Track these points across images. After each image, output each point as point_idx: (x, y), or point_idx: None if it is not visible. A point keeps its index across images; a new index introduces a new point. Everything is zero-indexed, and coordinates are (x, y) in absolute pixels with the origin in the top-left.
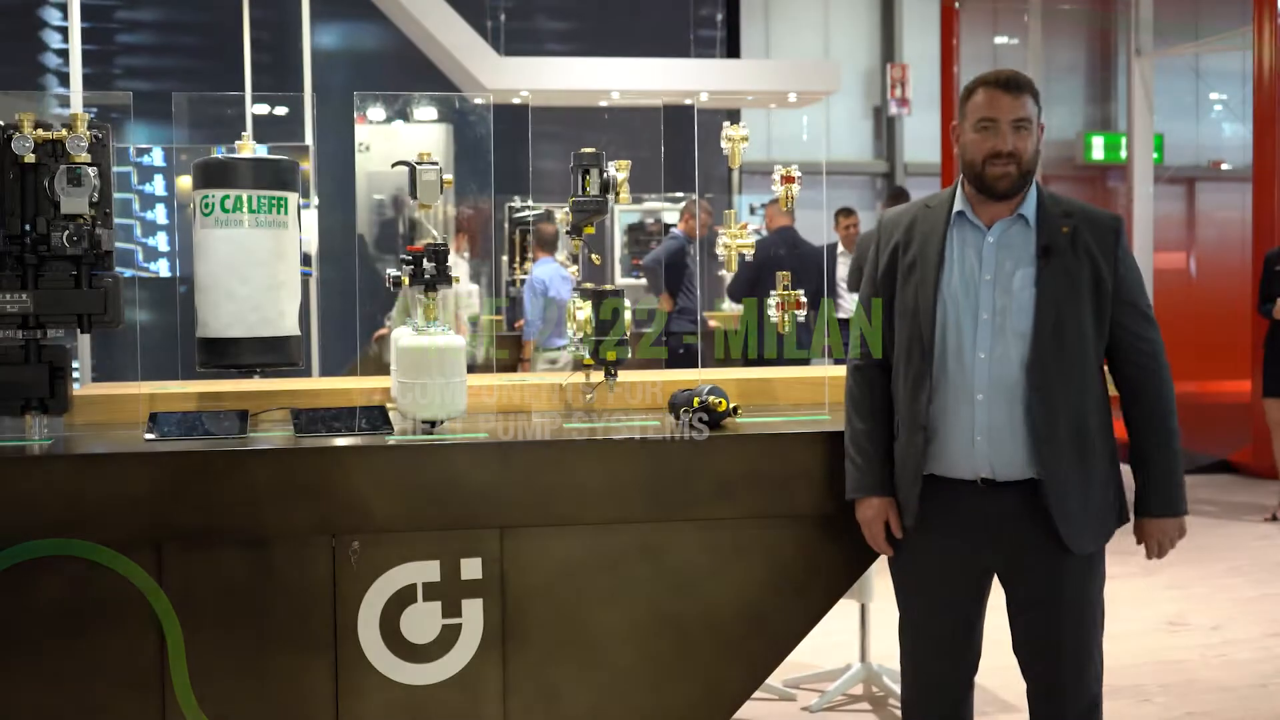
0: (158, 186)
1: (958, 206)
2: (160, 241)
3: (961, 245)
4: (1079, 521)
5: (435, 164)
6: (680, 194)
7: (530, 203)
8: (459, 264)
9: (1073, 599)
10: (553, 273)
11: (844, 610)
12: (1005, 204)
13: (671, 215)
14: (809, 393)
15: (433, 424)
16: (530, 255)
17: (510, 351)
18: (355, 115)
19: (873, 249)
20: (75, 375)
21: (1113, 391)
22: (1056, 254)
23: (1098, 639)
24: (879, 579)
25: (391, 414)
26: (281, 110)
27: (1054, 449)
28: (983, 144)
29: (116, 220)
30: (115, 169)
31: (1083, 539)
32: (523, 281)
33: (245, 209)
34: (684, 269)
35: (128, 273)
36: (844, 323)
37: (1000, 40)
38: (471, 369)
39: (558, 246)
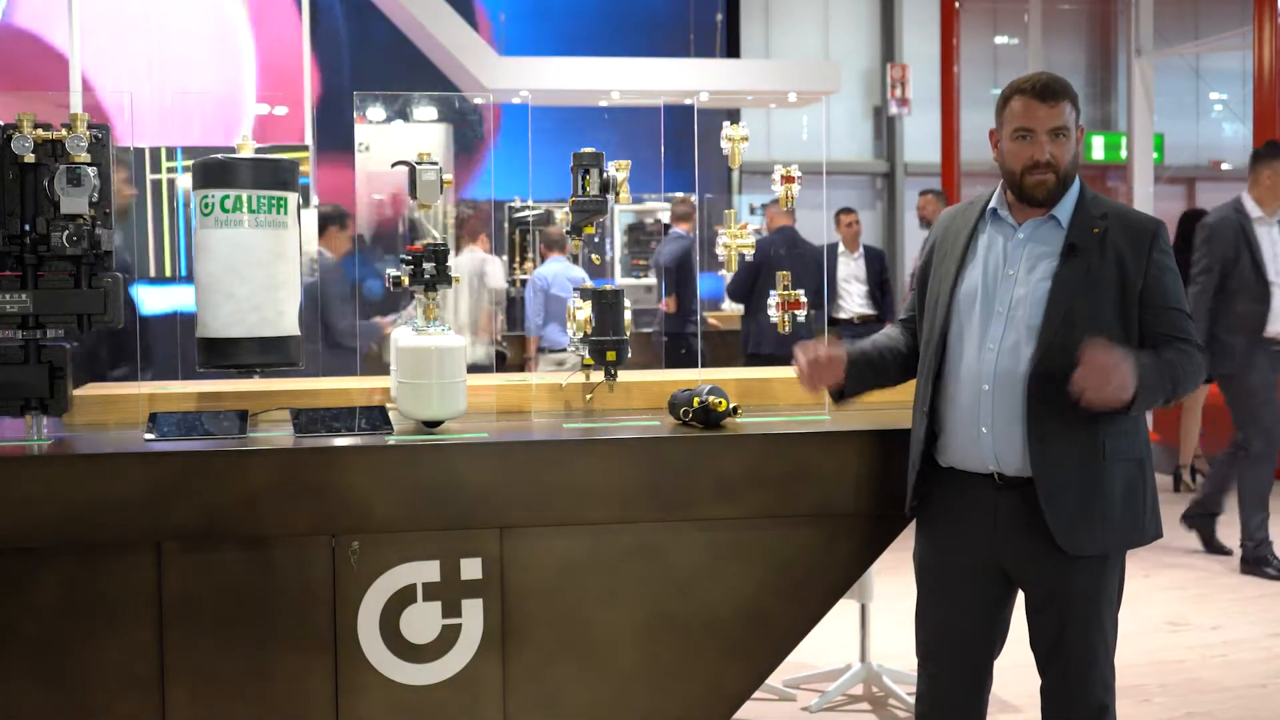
0: None
1: (992, 204)
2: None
3: (990, 241)
4: (1075, 523)
5: (435, 164)
6: (679, 193)
7: (530, 202)
8: (492, 261)
9: (1080, 604)
10: (557, 271)
11: (844, 610)
12: (1042, 207)
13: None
14: (809, 393)
15: (433, 424)
16: (532, 255)
17: (514, 351)
18: (355, 115)
19: (925, 245)
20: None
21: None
22: (1081, 252)
23: (1106, 646)
24: (879, 579)
25: (391, 414)
26: (281, 110)
27: (1050, 446)
28: (1020, 153)
29: None
30: None
31: (1078, 541)
32: (523, 282)
33: (245, 209)
34: (690, 270)
35: None
36: (844, 323)
37: (1000, 40)
38: (503, 358)
39: (565, 246)
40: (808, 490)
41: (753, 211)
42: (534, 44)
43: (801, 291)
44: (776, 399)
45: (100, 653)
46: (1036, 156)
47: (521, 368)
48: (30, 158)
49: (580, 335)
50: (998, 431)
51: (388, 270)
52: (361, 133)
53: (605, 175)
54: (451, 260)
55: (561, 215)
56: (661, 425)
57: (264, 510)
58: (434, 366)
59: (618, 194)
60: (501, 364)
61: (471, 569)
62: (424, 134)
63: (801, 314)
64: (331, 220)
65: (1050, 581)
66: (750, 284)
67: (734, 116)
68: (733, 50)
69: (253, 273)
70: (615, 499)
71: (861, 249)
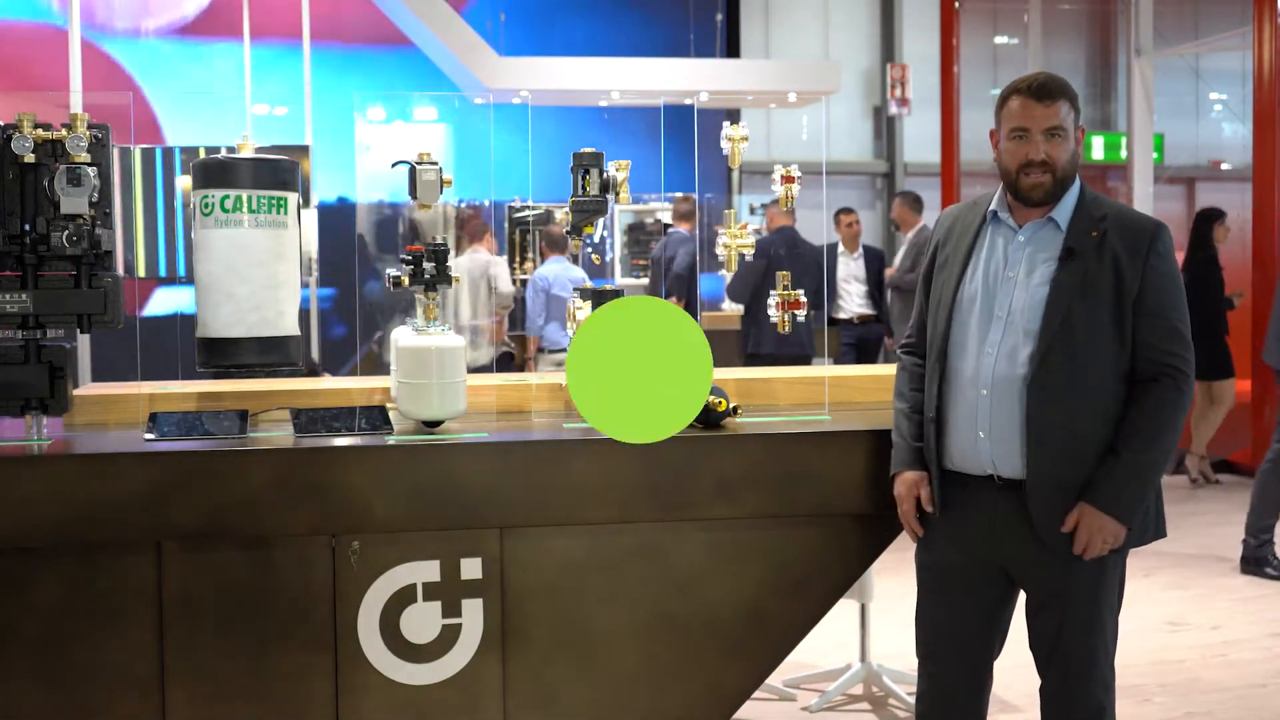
0: None
1: (993, 206)
2: None
3: (992, 244)
4: (1062, 526)
5: (435, 164)
6: (679, 193)
7: (530, 202)
8: (498, 264)
9: (1080, 605)
10: (558, 271)
11: (844, 610)
12: (1040, 207)
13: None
14: (809, 393)
15: (433, 424)
16: (533, 255)
17: (516, 351)
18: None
19: (928, 246)
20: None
21: None
22: (1079, 256)
23: (1106, 647)
24: (879, 579)
25: (391, 414)
26: (281, 110)
27: (1044, 450)
28: (1016, 153)
29: None
30: None
31: (1067, 544)
32: (524, 282)
33: (245, 209)
34: (694, 271)
35: None
36: (844, 323)
37: (1000, 40)
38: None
39: (565, 246)
40: (808, 490)
41: (753, 211)
42: (534, 44)
43: (801, 291)
44: (776, 399)
45: (100, 653)
46: (1031, 156)
47: (522, 368)
48: (30, 158)
49: None
50: (995, 435)
51: (387, 270)
52: (362, 133)
53: (605, 175)
54: (451, 260)
55: (561, 215)
56: None
57: (264, 510)
58: (434, 366)
59: (618, 194)
60: (509, 363)
61: (471, 569)
62: (424, 134)
63: (801, 314)
64: None
65: (1051, 582)
66: (751, 284)
67: (734, 116)
68: (733, 50)
69: (253, 273)
70: (615, 499)
71: (861, 249)
